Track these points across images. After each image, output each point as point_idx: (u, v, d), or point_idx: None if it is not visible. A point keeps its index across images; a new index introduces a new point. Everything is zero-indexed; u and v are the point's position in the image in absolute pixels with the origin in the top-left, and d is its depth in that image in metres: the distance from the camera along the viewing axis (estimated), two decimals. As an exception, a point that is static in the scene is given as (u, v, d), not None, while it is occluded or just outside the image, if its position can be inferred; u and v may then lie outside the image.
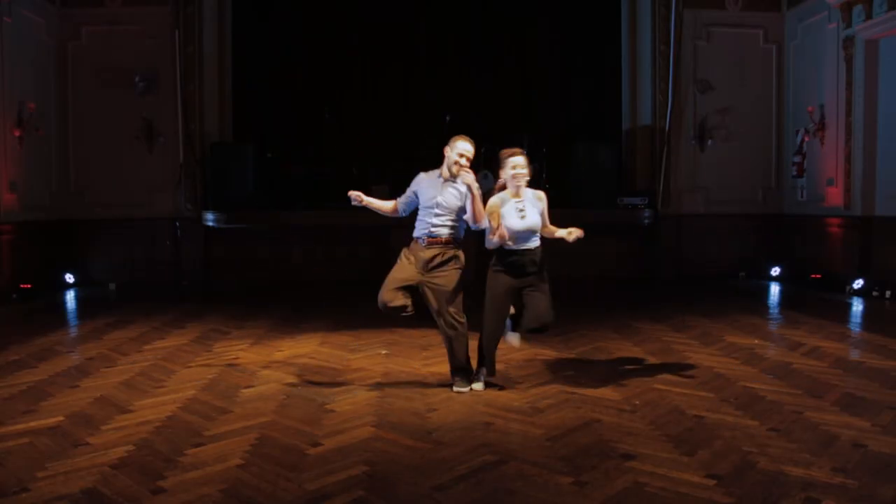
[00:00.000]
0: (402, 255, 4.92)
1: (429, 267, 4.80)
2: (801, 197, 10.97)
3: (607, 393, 4.83)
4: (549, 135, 11.18)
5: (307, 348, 6.31)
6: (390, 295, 4.76)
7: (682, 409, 4.46)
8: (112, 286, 10.30)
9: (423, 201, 4.91)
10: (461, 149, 4.80)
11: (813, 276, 10.15)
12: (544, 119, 11.68)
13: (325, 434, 4.05)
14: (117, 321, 7.70)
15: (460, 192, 4.81)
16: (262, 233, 10.72)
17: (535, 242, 4.77)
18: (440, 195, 4.82)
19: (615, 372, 5.37)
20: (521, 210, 4.70)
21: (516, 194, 4.77)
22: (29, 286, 9.42)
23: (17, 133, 9.44)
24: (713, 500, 3.16)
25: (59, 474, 3.47)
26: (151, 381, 5.21)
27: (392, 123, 11.48)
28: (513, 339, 4.98)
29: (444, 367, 5.52)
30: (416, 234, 4.91)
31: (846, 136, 9.87)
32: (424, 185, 4.94)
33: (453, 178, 4.81)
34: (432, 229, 4.82)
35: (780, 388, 4.92)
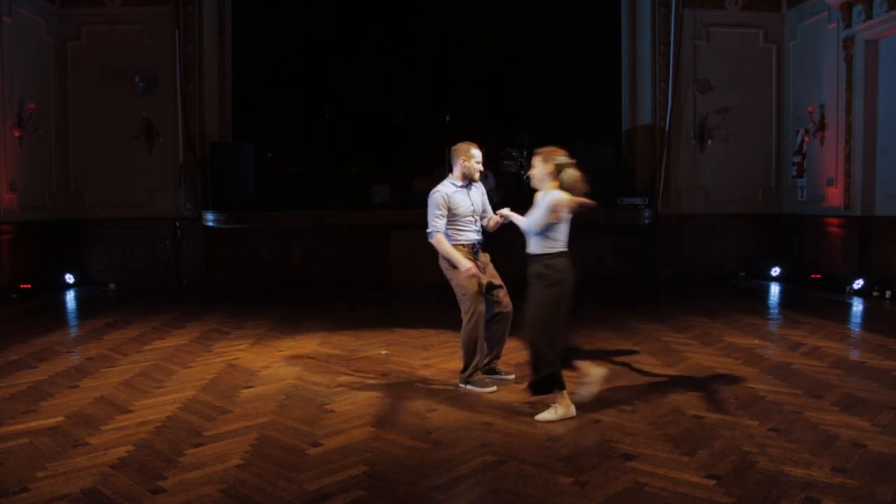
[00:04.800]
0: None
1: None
2: (801, 197, 10.97)
3: (607, 393, 4.83)
4: (548, 134, 11.14)
5: (307, 348, 6.31)
6: None
7: (682, 409, 4.46)
8: (112, 286, 10.30)
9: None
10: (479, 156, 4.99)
11: (813, 276, 10.13)
12: (544, 119, 11.67)
13: (325, 434, 4.05)
14: (117, 321, 7.70)
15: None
16: (262, 233, 10.70)
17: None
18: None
19: (615, 372, 5.37)
20: None
21: None
22: (29, 286, 9.43)
23: (16, 133, 9.44)
24: (713, 500, 3.16)
25: (59, 474, 3.48)
26: (151, 381, 5.21)
27: (392, 123, 11.47)
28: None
29: (444, 367, 5.53)
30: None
31: (846, 136, 9.86)
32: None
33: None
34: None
35: (780, 388, 4.92)
